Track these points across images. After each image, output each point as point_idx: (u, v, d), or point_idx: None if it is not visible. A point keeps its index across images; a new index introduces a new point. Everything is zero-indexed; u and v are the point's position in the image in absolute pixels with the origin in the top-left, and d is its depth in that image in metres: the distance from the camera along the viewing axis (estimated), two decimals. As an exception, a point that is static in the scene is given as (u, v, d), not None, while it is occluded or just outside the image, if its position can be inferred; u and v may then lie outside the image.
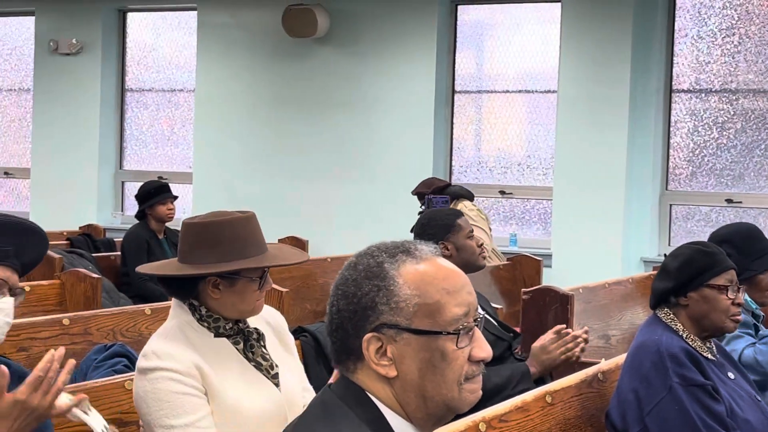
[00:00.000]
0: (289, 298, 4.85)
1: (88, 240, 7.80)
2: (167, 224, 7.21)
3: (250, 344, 2.77)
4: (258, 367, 2.74)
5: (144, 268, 2.83)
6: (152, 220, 7.06)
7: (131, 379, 2.95)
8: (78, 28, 10.04)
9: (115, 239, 7.95)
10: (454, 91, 8.98)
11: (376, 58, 8.93)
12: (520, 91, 8.83)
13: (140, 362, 2.68)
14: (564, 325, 3.79)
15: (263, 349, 2.80)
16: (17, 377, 2.25)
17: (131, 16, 10.24)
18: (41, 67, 10.23)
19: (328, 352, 3.06)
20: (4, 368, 2.08)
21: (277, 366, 2.78)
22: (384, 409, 1.74)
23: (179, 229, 2.96)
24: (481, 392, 1.78)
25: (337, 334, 1.77)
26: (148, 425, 2.63)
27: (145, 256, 6.87)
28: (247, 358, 2.74)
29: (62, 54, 10.08)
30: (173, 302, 2.80)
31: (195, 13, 9.76)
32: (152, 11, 10.18)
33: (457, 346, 1.73)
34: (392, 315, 1.72)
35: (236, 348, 2.74)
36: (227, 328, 2.74)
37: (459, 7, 8.96)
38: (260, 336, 2.81)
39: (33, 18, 10.36)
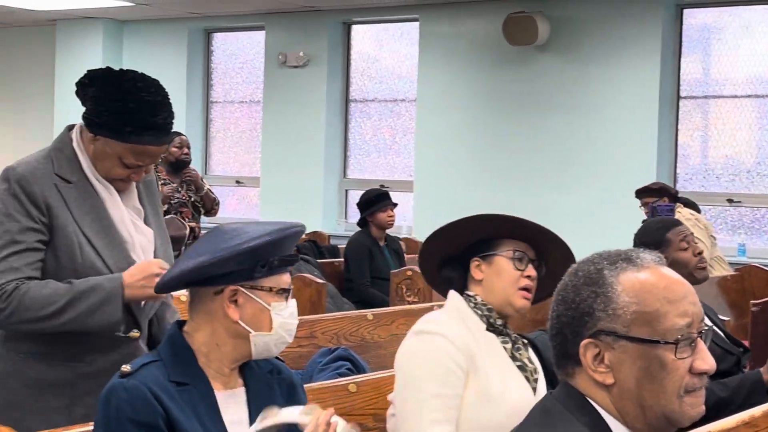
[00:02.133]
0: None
1: (313, 246, 8.03)
2: (387, 231, 7.34)
3: (516, 347, 2.81)
4: (522, 368, 2.78)
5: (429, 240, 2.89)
6: (373, 227, 7.20)
7: (354, 382, 3.03)
8: (305, 41, 10.38)
9: (339, 246, 8.15)
10: (679, 97, 8.74)
11: (597, 64, 8.81)
12: (749, 96, 8.50)
13: (418, 325, 2.77)
14: None
15: (529, 355, 2.85)
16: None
17: (355, 29, 10.51)
18: (270, 79, 10.63)
19: (547, 360, 3.04)
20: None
21: (538, 373, 2.83)
22: (605, 416, 1.73)
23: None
24: (704, 408, 1.74)
25: (557, 339, 1.78)
26: (402, 384, 2.69)
27: (367, 263, 7.01)
28: (513, 357, 2.78)
29: (290, 66, 10.44)
30: (450, 294, 2.86)
31: (417, 23, 9.91)
32: (375, 23, 10.40)
33: (676, 356, 1.69)
34: (609, 322, 1.71)
35: (504, 347, 2.79)
36: (497, 323, 2.79)
37: (684, 10, 8.72)
38: (525, 344, 2.86)
39: (263, 33, 10.78)
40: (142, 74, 2.68)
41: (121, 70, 2.68)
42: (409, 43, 10.15)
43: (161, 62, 10.97)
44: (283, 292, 2.33)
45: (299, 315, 2.43)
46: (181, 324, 2.37)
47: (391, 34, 10.41)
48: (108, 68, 2.70)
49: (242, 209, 11.20)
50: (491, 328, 2.79)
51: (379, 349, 4.30)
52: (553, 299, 1.80)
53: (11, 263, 2.59)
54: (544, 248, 2.88)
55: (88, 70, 2.68)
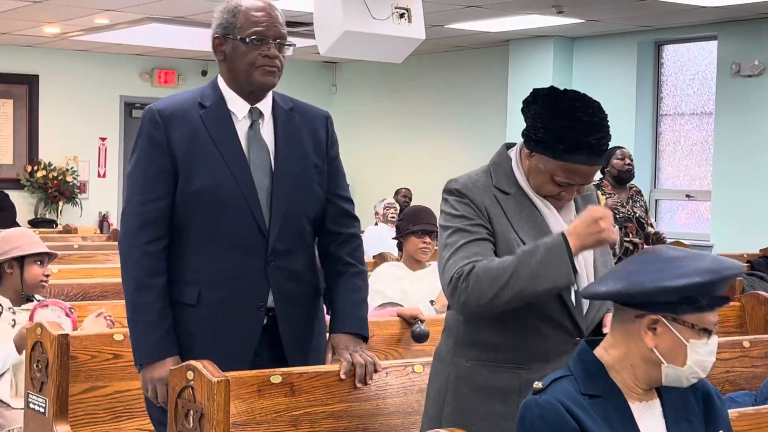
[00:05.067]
0: None
1: (768, 263, 7.70)
2: None
3: None
4: None
5: None
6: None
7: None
8: (761, 49, 9.96)
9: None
10: None
11: None
12: None
13: None
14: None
15: None
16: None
17: (816, 33, 9.92)
18: (723, 90, 10.30)
19: None
20: None
21: None
22: None
23: None
24: None
25: None
26: None
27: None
28: None
29: (744, 76, 10.06)
30: None
31: None
32: (840, 26, 9.76)
33: None
34: None
35: None
36: None
37: None
38: None
39: (715, 42, 10.48)
40: (583, 95, 2.72)
41: (564, 90, 2.74)
42: None
43: (610, 76, 11.01)
44: (705, 332, 2.28)
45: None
46: (589, 342, 2.40)
47: None
48: (552, 87, 2.76)
49: (692, 224, 10.95)
50: None
51: None
52: None
53: (469, 249, 2.70)
54: None
55: (534, 89, 2.77)
